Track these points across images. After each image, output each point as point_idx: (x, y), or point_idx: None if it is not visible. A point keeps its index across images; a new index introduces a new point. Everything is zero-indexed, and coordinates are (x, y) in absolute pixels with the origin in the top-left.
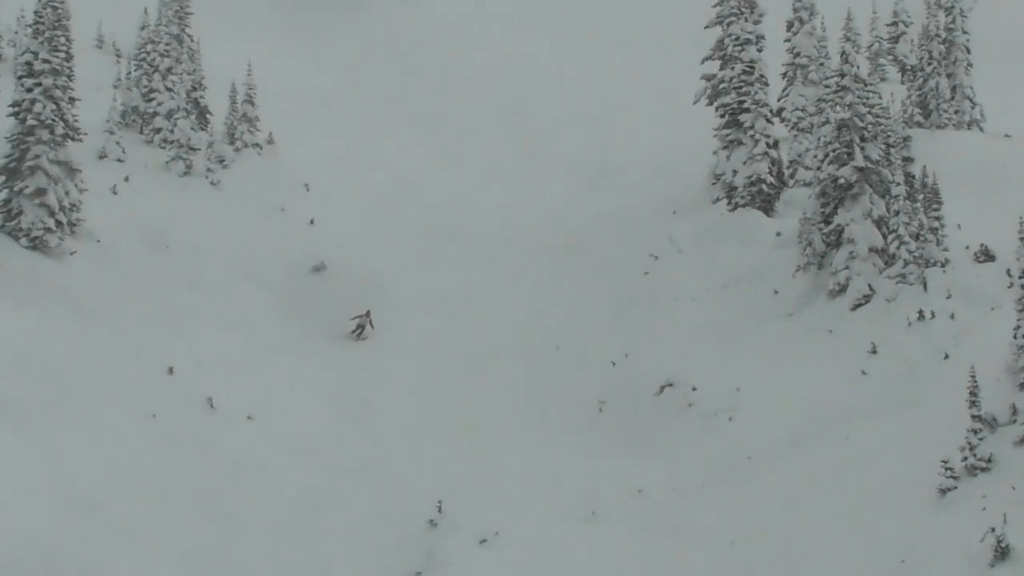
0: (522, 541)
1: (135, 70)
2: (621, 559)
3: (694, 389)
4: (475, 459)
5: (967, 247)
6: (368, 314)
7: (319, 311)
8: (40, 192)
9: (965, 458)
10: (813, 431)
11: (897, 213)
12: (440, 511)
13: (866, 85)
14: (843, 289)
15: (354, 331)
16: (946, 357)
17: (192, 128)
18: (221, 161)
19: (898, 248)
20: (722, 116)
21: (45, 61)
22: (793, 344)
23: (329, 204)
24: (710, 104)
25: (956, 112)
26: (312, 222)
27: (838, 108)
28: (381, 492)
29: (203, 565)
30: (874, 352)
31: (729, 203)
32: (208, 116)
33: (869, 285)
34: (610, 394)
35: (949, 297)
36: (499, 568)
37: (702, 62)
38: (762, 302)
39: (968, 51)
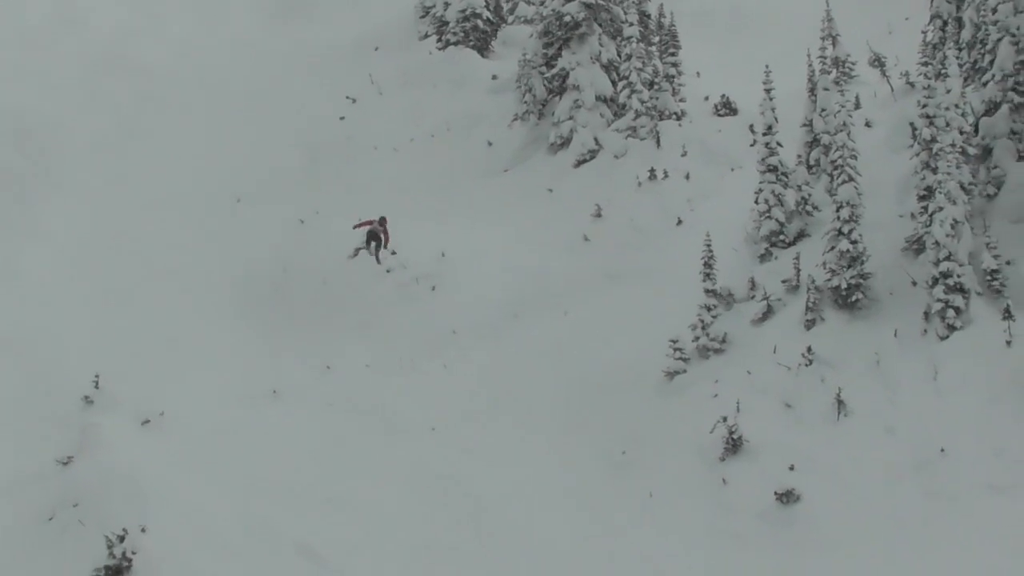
0: (191, 422)
1: None
2: (302, 444)
3: (393, 253)
4: (141, 330)
5: (706, 98)
6: (383, 221)
7: None
8: None
9: (697, 337)
10: (528, 304)
11: (629, 57)
12: (97, 387)
13: None
14: (566, 143)
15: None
16: (679, 223)
17: None
18: None
19: (629, 97)
20: None
21: None
22: (508, 204)
23: None
24: None
25: None
26: None
27: None
28: (28, 364)
29: None
30: (599, 215)
31: (439, 40)
32: None
33: (595, 139)
34: (296, 256)
35: (684, 155)
36: (163, 451)
37: None
38: (474, 155)
39: None
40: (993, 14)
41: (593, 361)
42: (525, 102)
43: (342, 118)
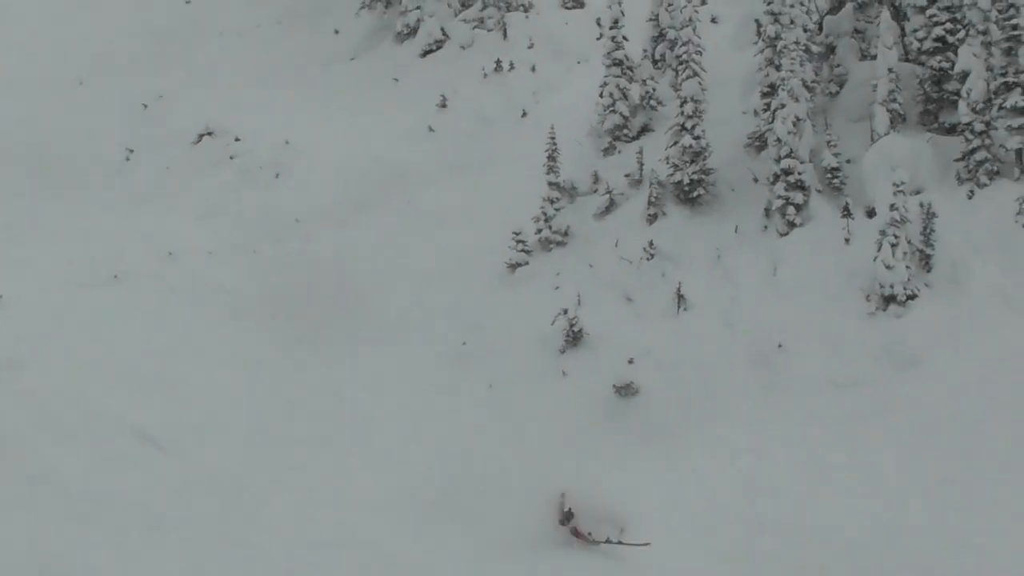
0: (29, 305)
1: None
2: (142, 329)
3: (237, 139)
4: None
5: None
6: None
7: None
8: None
9: (539, 230)
10: (373, 193)
11: None
12: None
13: None
14: (412, 32)
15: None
16: (524, 115)
17: None
18: None
19: None
20: None
21: None
22: (354, 93)
23: None
24: None
25: None
26: None
27: None
28: None
29: None
30: (444, 106)
31: None
32: None
33: (442, 28)
34: (140, 141)
35: (531, 47)
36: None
37: None
38: (320, 42)
39: None
40: None
41: (435, 251)
42: None
43: (188, 2)
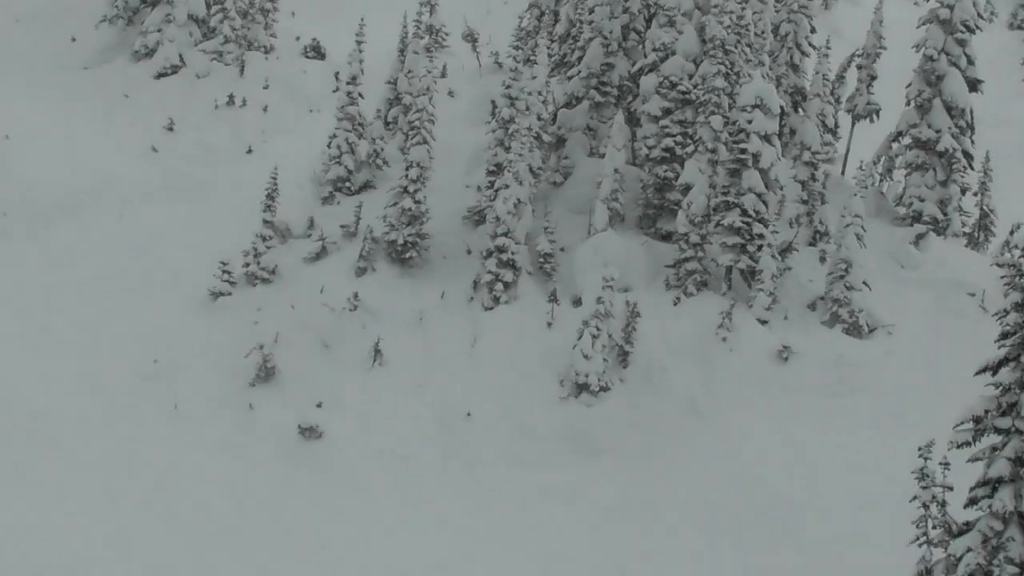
0: None
1: None
2: None
3: None
4: None
5: (298, 39)
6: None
7: None
8: None
9: (247, 264)
10: (87, 202)
11: None
12: None
13: None
14: (150, 53)
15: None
16: (250, 151)
17: None
18: None
19: (221, 22)
20: None
21: None
22: (82, 102)
23: None
24: None
25: None
26: None
27: None
28: None
29: None
30: (171, 129)
31: None
32: None
33: (180, 55)
34: None
35: (267, 87)
36: None
37: None
38: (56, 47)
39: None
40: (589, 14)
41: (139, 268)
42: (116, 6)
43: None
